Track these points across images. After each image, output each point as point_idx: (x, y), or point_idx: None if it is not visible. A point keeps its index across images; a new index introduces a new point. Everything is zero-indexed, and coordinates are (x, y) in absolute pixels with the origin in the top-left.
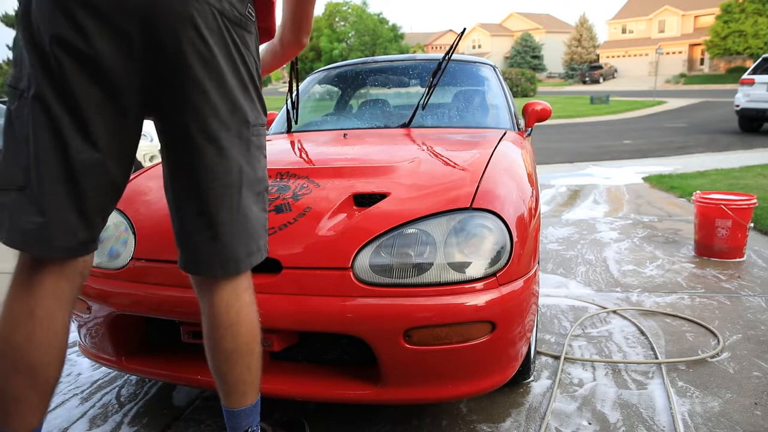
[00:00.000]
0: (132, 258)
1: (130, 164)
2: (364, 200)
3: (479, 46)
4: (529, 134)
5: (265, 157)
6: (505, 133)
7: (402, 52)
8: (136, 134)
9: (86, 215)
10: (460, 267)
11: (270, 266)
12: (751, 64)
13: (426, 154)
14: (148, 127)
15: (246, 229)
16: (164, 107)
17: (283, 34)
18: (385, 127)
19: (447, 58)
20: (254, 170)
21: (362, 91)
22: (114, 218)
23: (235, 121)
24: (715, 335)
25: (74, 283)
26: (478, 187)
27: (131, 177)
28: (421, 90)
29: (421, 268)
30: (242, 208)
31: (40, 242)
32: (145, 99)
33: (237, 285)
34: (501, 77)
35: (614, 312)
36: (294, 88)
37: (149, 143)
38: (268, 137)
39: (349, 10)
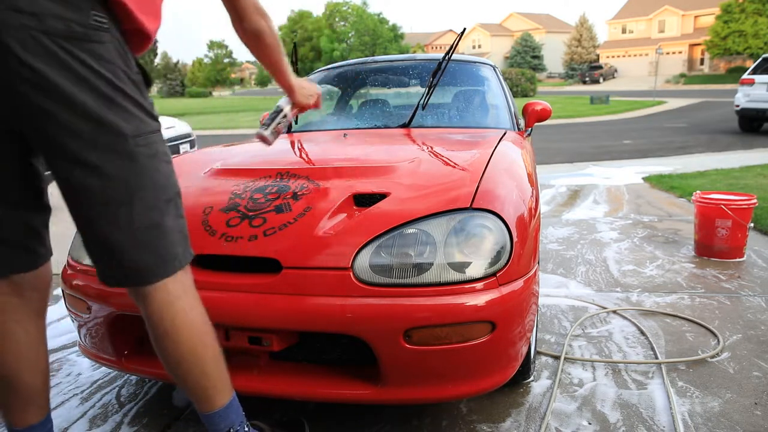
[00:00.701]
0: None
1: (33, 190)
2: (364, 200)
3: (479, 46)
4: (529, 134)
5: (168, 161)
6: (505, 133)
7: (402, 52)
8: (24, 168)
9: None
10: (460, 267)
11: (270, 266)
12: (751, 64)
13: (426, 154)
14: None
15: (151, 240)
16: (30, 139)
17: (236, 29)
18: (385, 127)
19: (447, 58)
20: (151, 181)
21: (362, 91)
22: None
23: (104, 138)
24: (715, 335)
25: (26, 297)
26: (478, 187)
27: None
28: (421, 90)
29: (421, 268)
30: (139, 221)
31: None
32: (13, 137)
33: (166, 293)
34: (501, 77)
35: (614, 312)
36: None
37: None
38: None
39: (349, 10)
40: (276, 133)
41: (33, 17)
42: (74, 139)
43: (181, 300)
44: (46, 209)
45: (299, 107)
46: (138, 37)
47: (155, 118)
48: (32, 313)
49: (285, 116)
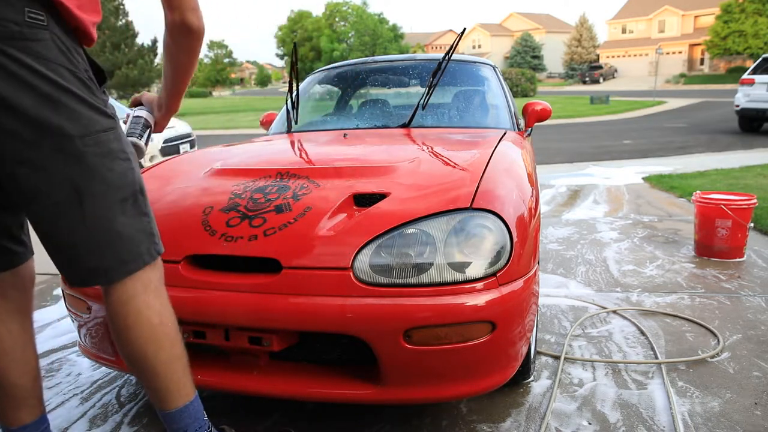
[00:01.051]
0: None
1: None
2: (364, 200)
3: (479, 46)
4: (529, 134)
5: (126, 159)
6: (505, 133)
7: (402, 52)
8: None
9: None
10: (460, 267)
11: (270, 266)
12: (751, 64)
13: (426, 154)
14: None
15: (107, 241)
16: None
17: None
18: (385, 127)
19: (447, 58)
20: (102, 180)
21: (362, 91)
22: None
23: (48, 139)
24: (715, 335)
25: (7, 296)
26: (478, 187)
27: None
28: (421, 90)
29: (421, 268)
30: (91, 222)
31: None
32: None
33: (122, 291)
34: (501, 77)
35: (614, 312)
36: (294, 88)
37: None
38: (268, 137)
39: (349, 10)
40: (147, 144)
41: None
42: (17, 141)
43: (137, 299)
44: (19, 207)
45: (159, 129)
46: (81, 38)
47: (109, 116)
48: (14, 313)
49: (150, 128)
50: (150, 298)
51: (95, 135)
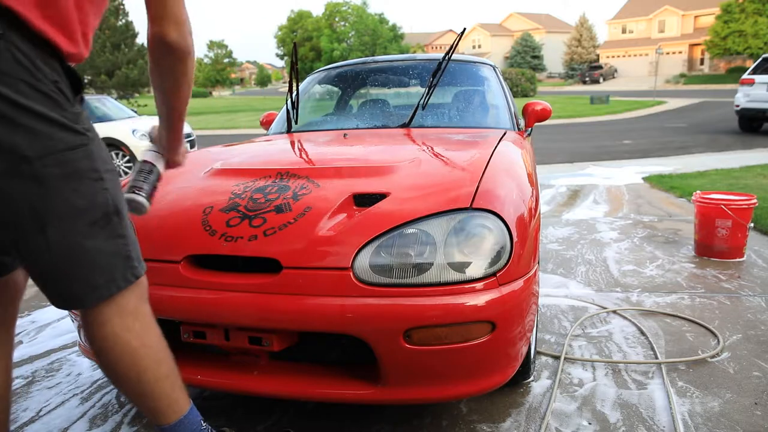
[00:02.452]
0: None
1: None
2: (364, 200)
3: (479, 46)
4: (529, 134)
5: (97, 179)
6: (505, 133)
7: (402, 52)
8: None
9: None
10: (460, 267)
11: (270, 266)
12: (751, 64)
13: (426, 154)
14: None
15: (75, 268)
16: None
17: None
18: (385, 127)
19: (447, 58)
20: (66, 203)
21: (362, 91)
22: None
23: (6, 162)
24: (715, 335)
25: None
26: (478, 187)
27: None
28: (421, 90)
29: (421, 268)
30: (56, 249)
31: None
32: None
33: (97, 316)
34: (501, 77)
35: (614, 312)
36: (294, 88)
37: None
38: (268, 137)
39: (349, 10)
40: (152, 197)
41: None
42: None
43: (112, 323)
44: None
45: (173, 166)
46: (53, 44)
47: (79, 131)
48: None
49: (159, 175)
50: (127, 321)
51: (58, 154)
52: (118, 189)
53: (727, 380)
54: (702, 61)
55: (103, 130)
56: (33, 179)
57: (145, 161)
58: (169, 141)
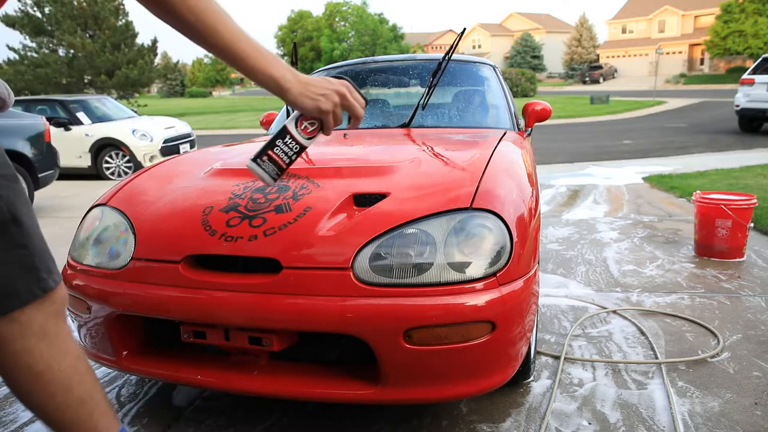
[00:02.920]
0: (132, 258)
1: None
2: (364, 200)
3: (479, 46)
4: (529, 134)
5: None
6: (505, 133)
7: (402, 52)
8: None
9: None
10: (460, 267)
11: (270, 266)
12: (751, 64)
13: (426, 154)
14: (149, 127)
15: None
16: None
17: None
18: (385, 127)
19: (447, 58)
20: None
21: (362, 90)
22: (114, 218)
23: None
24: (715, 335)
25: None
26: (478, 187)
27: (131, 177)
28: (421, 90)
29: (421, 268)
30: None
31: None
32: None
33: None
34: (501, 77)
35: (614, 312)
36: None
37: (149, 143)
38: (267, 138)
39: (349, 10)
40: (275, 165)
41: None
42: None
43: (14, 343)
44: None
45: (316, 117)
46: None
47: None
48: None
49: (289, 138)
50: (30, 342)
51: None
52: (18, 196)
53: (727, 380)
54: (702, 61)
55: (103, 130)
56: None
57: (287, 133)
58: (266, 85)
